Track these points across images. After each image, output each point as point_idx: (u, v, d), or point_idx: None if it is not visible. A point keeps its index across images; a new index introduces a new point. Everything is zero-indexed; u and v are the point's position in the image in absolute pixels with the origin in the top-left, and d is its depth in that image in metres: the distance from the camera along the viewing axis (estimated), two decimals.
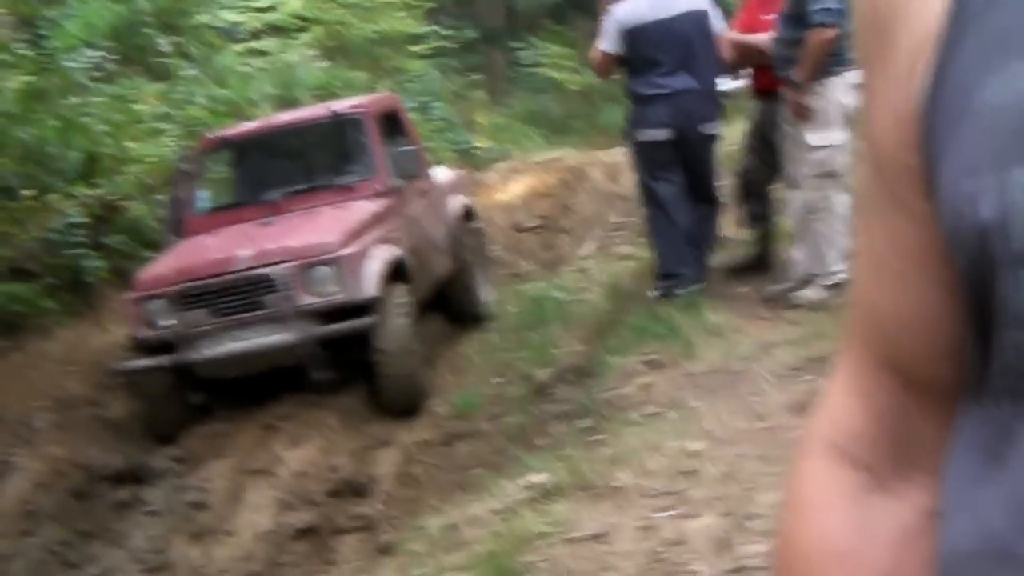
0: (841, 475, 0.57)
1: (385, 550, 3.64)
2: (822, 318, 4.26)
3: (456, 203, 6.42)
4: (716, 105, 4.96)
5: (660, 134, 4.74)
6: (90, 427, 5.07)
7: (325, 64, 13.21)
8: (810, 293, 4.49)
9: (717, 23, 4.88)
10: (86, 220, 6.44)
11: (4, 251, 6.08)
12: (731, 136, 5.46)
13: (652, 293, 5.08)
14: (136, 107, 8.60)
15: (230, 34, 14.11)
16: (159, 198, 7.36)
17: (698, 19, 4.77)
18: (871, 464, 0.56)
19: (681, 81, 4.71)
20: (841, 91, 4.38)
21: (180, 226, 5.69)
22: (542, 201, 9.40)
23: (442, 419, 4.71)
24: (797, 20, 4.33)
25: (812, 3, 4.19)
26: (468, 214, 6.58)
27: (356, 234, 4.94)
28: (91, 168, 7.19)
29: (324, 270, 4.73)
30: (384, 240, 5.12)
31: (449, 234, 6.15)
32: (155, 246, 6.86)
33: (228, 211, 5.76)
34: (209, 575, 3.89)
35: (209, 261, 4.94)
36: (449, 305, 6.17)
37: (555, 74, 19.12)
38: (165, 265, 5.15)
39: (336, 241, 4.80)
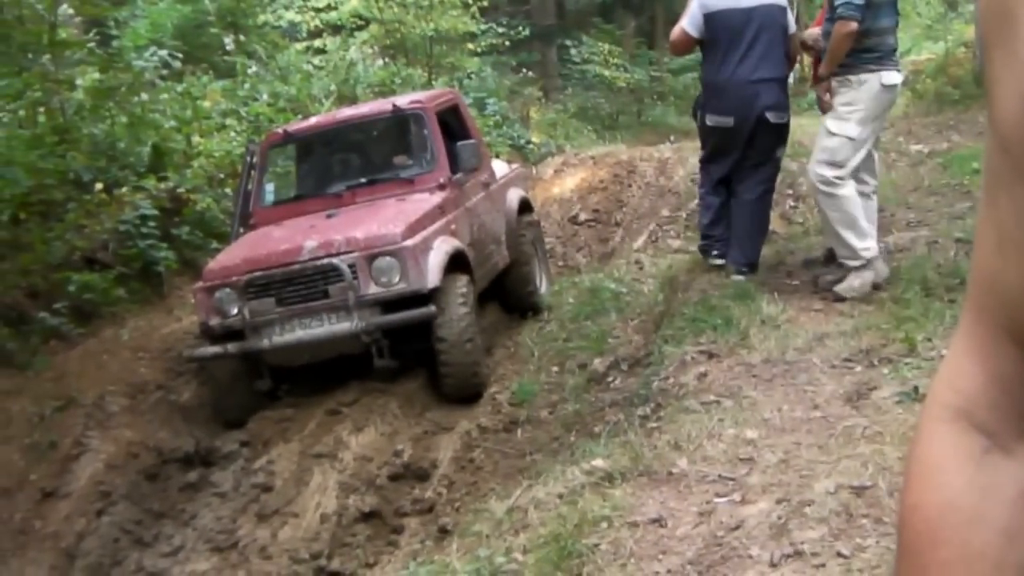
0: (962, 438, 0.58)
1: (446, 533, 3.67)
2: (874, 310, 4.27)
3: (514, 196, 6.50)
4: (785, 95, 5.03)
5: (727, 121, 4.80)
6: (161, 411, 5.16)
7: (383, 62, 13.37)
8: (852, 281, 4.51)
9: (791, 20, 4.97)
10: (155, 212, 6.62)
11: (78, 242, 6.24)
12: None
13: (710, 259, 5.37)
14: (202, 104, 8.78)
15: (291, 33, 14.35)
16: (225, 191, 7.55)
17: (774, 13, 4.84)
18: (991, 427, 0.57)
19: (753, 70, 4.77)
20: (870, 90, 4.40)
21: (247, 218, 5.83)
22: (595, 195, 9.41)
23: (501, 406, 4.73)
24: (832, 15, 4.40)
25: None
26: (525, 206, 6.65)
27: (418, 226, 5.00)
28: (160, 162, 7.36)
29: (388, 260, 4.80)
30: (445, 232, 5.19)
31: (507, 226, 6.24)
32: (221, 237, 7.02)
33: (293, 203, 5.85)
34: (275, 555, 3.90)
35: (276, 251, 5.00)
36: (507, 295, 6.24)
37: (605, 71, 19.07)
38: (233, 255, 5.23)
39: (399, 233, 4.86)
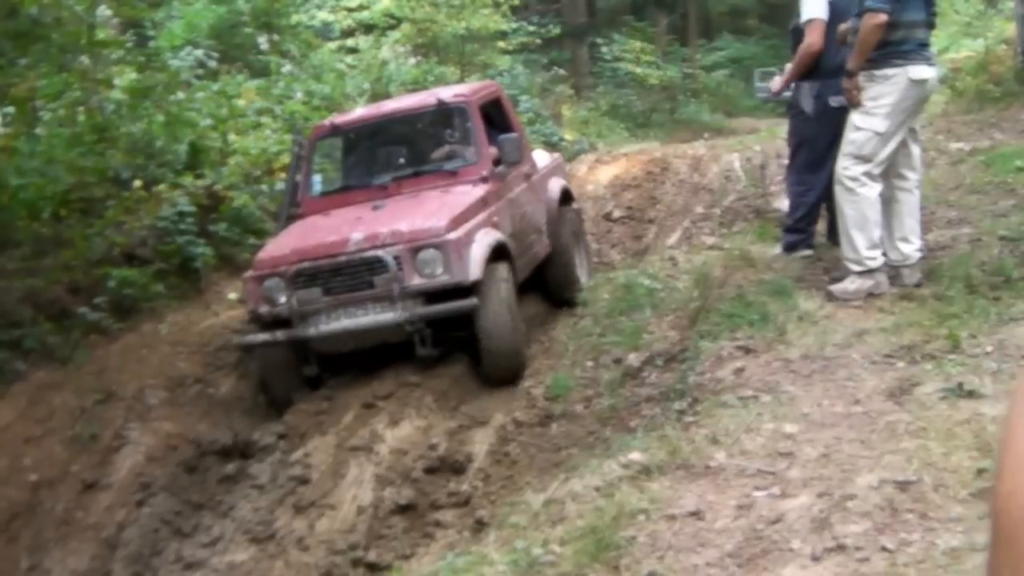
0: None
1: (482, 525, 3.68)
2: (915, 307, 4.21)
3: (555, 186, 6.56)
4: None
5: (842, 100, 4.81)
6: (199, 404, 5.23)
7: (415, 60, 13.43)
8: (848, 285, 4.48)
9: None
10: (193, 209, 6.70)
11: (117, 238, 6.33)
12: None
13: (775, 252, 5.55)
14: (238, 102, 8.86)
15: (324, 33, 14.46)
16: (261, 188, 7.62)
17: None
18: None
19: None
20: (898, 84, 4.35)
21: (295, 207, 5.93)
22: (629, 192, 9.39)
23: (536, 400, 4.72)
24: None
25: None
26: (566, 196, 6.71)
27: (461, 219, 5.08)
28: (196, 160, 7.45)
29: (431, 253, 4.87)
30: (487, 224, 5.27)
31: (548, 216, 6.31)
32: (258, 233, 7.10)
33: (340, 194, 5.95)
34: (312, 546, 3.92)
35: (324, 243, 5.09)
36: (548, 284, 6.31)
37: (636, 69, 19.02)
38: (282, 245, 5.32)
39: (443, 226, 4.93)
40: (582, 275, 6.57)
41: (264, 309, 5.05)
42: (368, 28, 14.69)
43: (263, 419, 5.12)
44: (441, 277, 4.86)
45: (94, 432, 4.78)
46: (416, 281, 4.88)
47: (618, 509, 2.73)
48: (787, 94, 5.85)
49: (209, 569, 4.09)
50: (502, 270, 5.13)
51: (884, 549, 2.24)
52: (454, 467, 4.26)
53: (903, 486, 2.53)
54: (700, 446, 3.09)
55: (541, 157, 6.92)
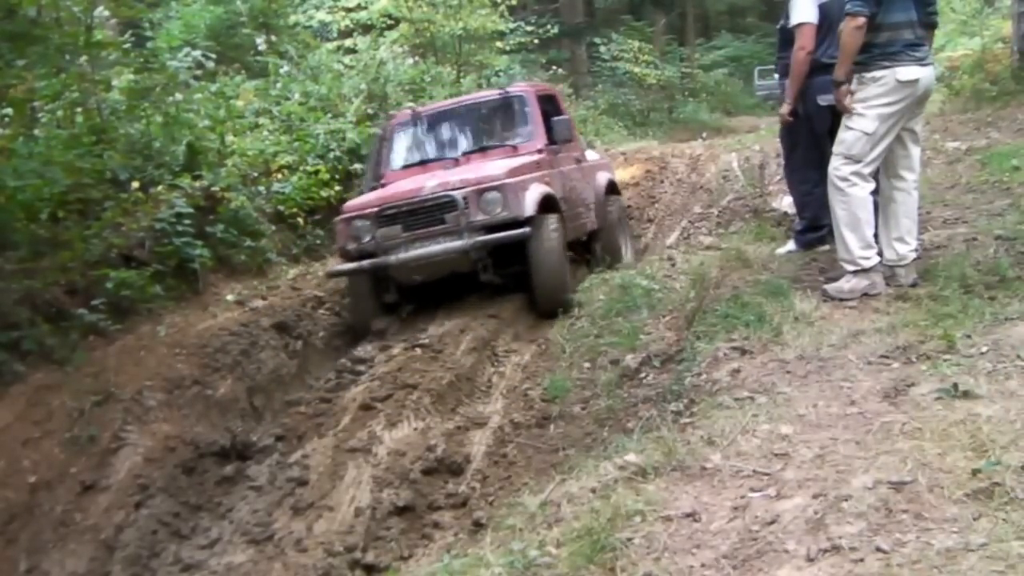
0: None
1: (480, 527, 3.68)
2: (911, 307, 4.22)
3: (603, 177, 7.76)
4: None
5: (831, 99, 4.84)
6: (197, 406, 5.22)
7: (413, 60, 13.43)
8: (843, 284, 4.50)
9: None
10: (191, 210, 6.69)
11: (115, 240, 6.31)
12: None
13: (785, 250, 5.65)
14: (235, 103, 8.87)
15: (322, 33, 14.47)
16: (260, 189, 7.64)
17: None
18: None
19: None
20: (885, 85, 4.38)
21: (379, 179, 7.00)
22: (627, 191, 9.42)
23: (534, 402, 4.73)
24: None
25: None
26: (612, 187, 7.89)
27: (518, 172, 6.11)
28: (194, 161, 7.45)
29: (493, 194, 5.83)
30: (540, 181, 6.29)
31: (596, 198, 7.43)
32: (255, 235, 7.13)
33: (418, 166, 6.97)
34: (311, 548, 3.91)
35: (403, 191, 6.13)
36: (595, 258, 7.34)
37: (635, 68, 19.04)
38: (367, 197, 6.40)
39: (503, 174, 5.95)
40: (626, 254, 7.66)
41: (352, 246, 6.09)
42: (366, 28, 14.70)
43: (261, 421, 5.12)
44: (501, 214, 5.82)
45: (92, 434, 4.76)
46: (480, 217, 5.84)
47: (614, 511, 2.72)
48: (777, 92, 5.90)
49: (207, 571, 4.06)
50: (552, 217, 6.08)
51: (879, 550, 2.24)
52: (452, 468, 4.27)
53: (898, 487, 2.52)
54: (696, 447, 3.09)
55: (592, 154, 8.13)
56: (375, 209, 6.01)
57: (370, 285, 6.14)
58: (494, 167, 6.18)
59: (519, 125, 6.98)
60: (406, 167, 7.00)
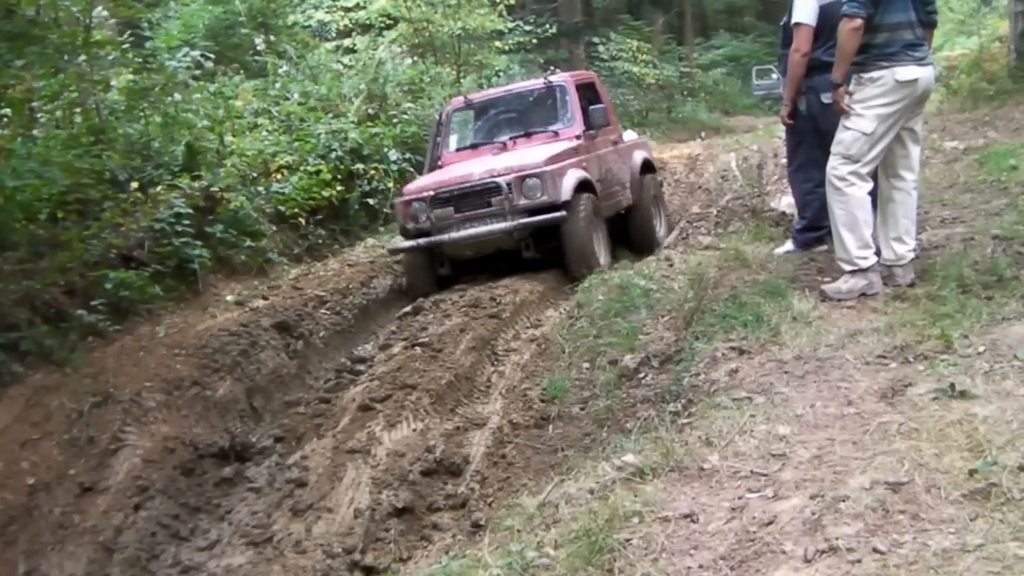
0: None
1: (478, 528, 3.69)
2: (908, 307, 4.23)
3: (639, 156, 8.52)
4: None
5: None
6: (196, 407, 5.21)
7: (412, 60, 13.44)
8: (841, 284, 4.51)
9: None
10: (190, 211, 6.70)
11: (114, 240, 6.33)
12: None
13: (783, 250, 5.69)
14: (234, 103, 8.88)
15: (320, 33, 14.48)
16: (259, 189, 7.64)
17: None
18: None
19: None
20: (884, 86, 4.39)
21: (436, 160, 7.83)
22: None
23: (533, 402, 4.73)
24: None
25: None
26: (648, 167, 8.66)
27: (557, 159, 6.88)
28: (193, 161, 7.47)
29: (534, 181, 6.66)
30: (577, 167, 7.07)
31: (631, 176, 8.19)
32: (255, 235, 7.14)
33: (470, 149, 7.86)
34: (310, 549, 3.91)
35: (455, 176, 6.98)
36: (631, 233, 8.16)
37: (633, 68, 19.05)
38: (424, 181, 7.23)
39: (543, 162, 6.74)
40: (660, 230, 8.50)
41: (411, 225, 6.96)
42: (365, 28, 14.71)
43: (260, 422, 5.12)
44: (541, 198, 6.63)
45: (91, 435, 4.76)
46: (522, 201, 6.68)
47: (612, 511, 2.72)
48: (777, 90, 5.95)
49: (206, 572, 4.06)
50: (585, 197, 6.87)
51: (876, 551, 2.24)
52: (451, 469, 4.27)
53: (895, 487, 2.52)
54: (694, 448, 3.09)
55: (630, 136, 8.95)
56: (431, 193, 6.86)
57: (425, 259, 7.01)
58: (535, 154, 6.94)
59: (560, 112, 7.73)
60: (460, 150, 7.89)
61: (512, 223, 6.67)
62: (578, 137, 7.43)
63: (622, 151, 8.20)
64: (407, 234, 7.05)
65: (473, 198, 6.78)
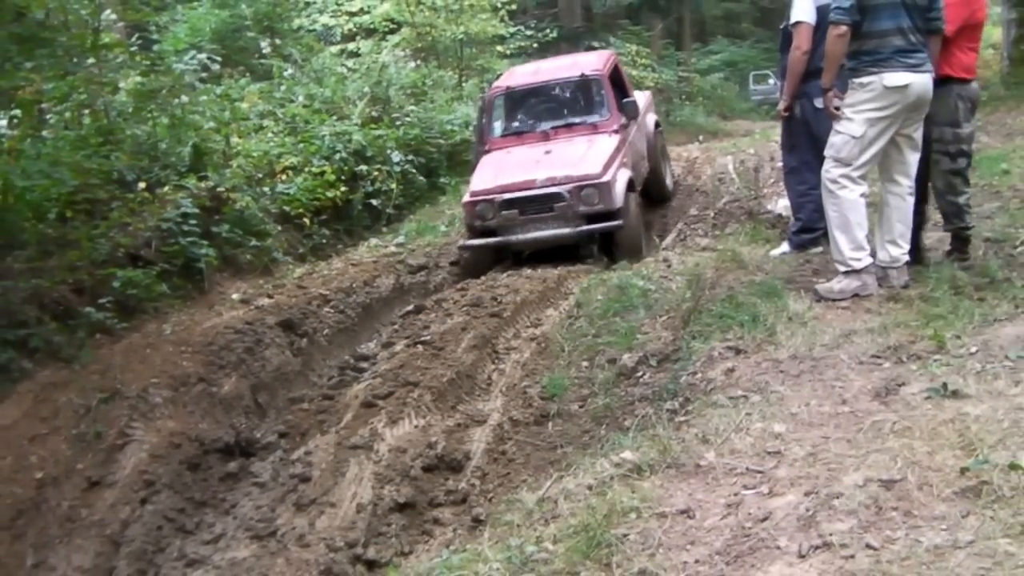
0: None
1: (479, 523, 3.72)
2: (902, 308, 4.28)
3: (651, 119, 9.30)
4: None
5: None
6: (202, 403, 5.24)
7: (415, 64, 13.49)
8: (834, 284, 4.57)
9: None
10: (196, 211, 6.76)
11: (122, 239, 6.39)
12: None
13: (779, 251, 5.75)
14: (240, 105, 8.93)
15: (325, 37, 14.53)
16: (264, 190, 7.69)
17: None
18: None
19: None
20: (873, 91, 4.45)
21: (483, 144, 8.33)
22: None
23: (532, 400, 4.76)
24: None
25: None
26: (657, 124, 9.52)
27: (608, 164, 7.42)
28: (200, 162, 7.52)
29: (591, 190, 7.24)
30: (623, 166, 7.62)
31: (648, 143, 8.87)
32: (260, 235, 7.17)
33: (513, 136, 8.35)
34: (313, 543, 3.93)
35: (518, 181, 7.46)
36: (648, 189, 8.75)
37: (632, 72, 19.07)
38: (486, 179, 7.67)
39: (599, 171, 7.30)
40: (668, 181, 9.47)
41: (477, 223, 7.51)
42: (369, 32, 14.76)
43: (265, 418, 5.15)
44: (598, 205, 7.26)
45: (99, 430, 4.79)
46: (581, 208, 7.28)
47: (610, 507, 2.75)
48: (773, 95, 6.01)
49: (211, 566, 4.07)
50: (632, 198, 7.55)
51: (869, 547, 2.27)
52: (452, 465, 4.29)
53: (888, 485, 2.56)
54: (691, 445, 3.13)
55: (640, 96, 9.25)
56: (498, 197, 7.39)
57: (491, 253, 7.66)
58: (587, 158, 7.50)
59: (597, 106, 8.32)
60: (504, 135, 8.40)
61: (575, 229, 7.31)
62: (616, 131, 7.95)
63: (640, 124, 8.71)
64: (473, 231, 7.59)
65: (537, 203, 7.34)
